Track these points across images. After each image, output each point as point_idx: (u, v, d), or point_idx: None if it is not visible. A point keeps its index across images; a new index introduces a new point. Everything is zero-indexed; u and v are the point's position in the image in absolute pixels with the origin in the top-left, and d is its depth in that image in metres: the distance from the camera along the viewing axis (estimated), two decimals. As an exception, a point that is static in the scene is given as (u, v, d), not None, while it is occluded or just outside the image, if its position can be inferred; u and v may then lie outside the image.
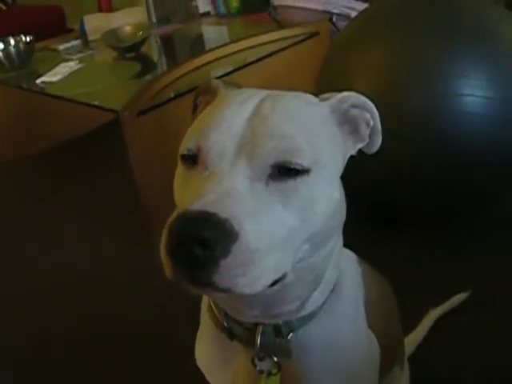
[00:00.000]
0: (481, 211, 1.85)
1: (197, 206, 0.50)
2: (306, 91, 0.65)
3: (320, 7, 2.60)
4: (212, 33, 2.89)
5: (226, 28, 2.87)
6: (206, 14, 3.00)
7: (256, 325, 0.66)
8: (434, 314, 1.41)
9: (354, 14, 2.39)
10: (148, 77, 2.26)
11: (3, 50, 2.40)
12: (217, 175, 0.54)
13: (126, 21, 2.65)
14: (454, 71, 1.52)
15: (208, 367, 0.78)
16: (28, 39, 2.48)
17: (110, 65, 2.47)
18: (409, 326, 1.33)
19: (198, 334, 0.80)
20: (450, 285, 1.53)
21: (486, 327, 1.41)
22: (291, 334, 0.67)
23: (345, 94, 0.64)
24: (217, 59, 2.23)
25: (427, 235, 1.75)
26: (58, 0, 3.93)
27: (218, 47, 2.31)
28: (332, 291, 0.69)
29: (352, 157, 0.67)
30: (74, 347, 1.56)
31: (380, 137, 0.67)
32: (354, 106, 0.64)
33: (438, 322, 1.40)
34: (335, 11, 2.54)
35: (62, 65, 2.36)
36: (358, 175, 1.04)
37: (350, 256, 0.80)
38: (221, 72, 2.12)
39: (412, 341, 1.31)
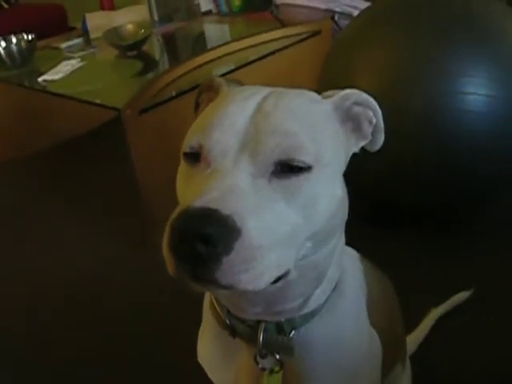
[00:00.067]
0: (481, 211, 1.85)
1: (199, 203, 0.50)
2: (308, 89, 0.65)
3: (322, 6, 2.60)
4: (214, 31, 2.89)
5: (228, 26, 2.87)
6: (208, 13, 3.00)
7: (258, 322, 0.66)
8: (436, 313, 1.41)
9: (356, 12, 2.38)
10: (150, 75, 2.26)
11: (5, 48, 2.41)
12: (219, 172, 0.54)
13: (127, 19, 2.65)
14: (456, 69, 1.52)
15: (210, 364, 0.78)
16: (30, 37, 2.48)
17: (111, 63, 2.46)
18: (410, 324, 1.33)
19: (200, 331, 0.80)
20: (450, 284, 1.53)
21: (487, 327, 1.41)
22: (293, 332, 0.67)
23: (347, 91, 0.64)
24: (219, 58, 2.23)
25: (428, 234, 1.75)
26: (60, -2, 3.93)
27: (219, 46, 2.31)
28: (334, 289, 0.69)
29: (354, 154, 0.67)
30: (73, 347, 1.56)
31: (383, 134, 0.67)
32: (356, 103, 0.64)
33: (440, 321, 1.40)
34: (337, 10, 2.54)
35: (64, 63, 2.36)
36: (360, 173, 1.04)
37: (352, 254, 0.80)
38: (223, 70, 2.12)
39: (414, 339, 1.31)
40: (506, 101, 1.53)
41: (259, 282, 0.51)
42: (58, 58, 2.46)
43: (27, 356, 1.55)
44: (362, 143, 0.67)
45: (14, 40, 2.45)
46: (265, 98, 0.59)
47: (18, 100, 2.57)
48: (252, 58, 2.19)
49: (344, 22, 2.44)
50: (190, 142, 0.59)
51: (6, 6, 3.98)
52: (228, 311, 0.69)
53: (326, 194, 0.57)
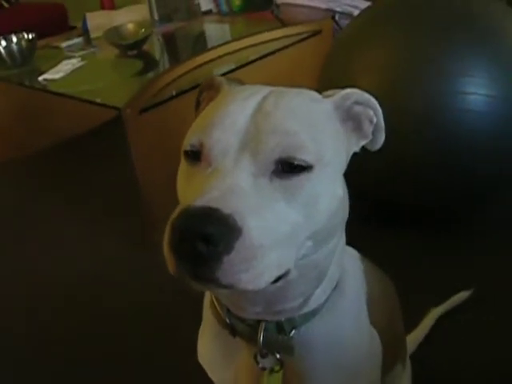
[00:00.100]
0: (481, 211, 1.85)
1: (200, 202, 0.50)
2: (308, 89, 0.65)
3: (323, 5, 2.60)
4: (214, 31, 2.89)
5: (228, 26, 2.87)
6: (208, 12, 3.00)
7: (258, 321, 0.66)
8: (436, 312, 1.41)
9: (356, 12, 2.39)
10: (150, 74, 2.26)
11: (5, 48, 2.41)
12: (220, 172, 0.54)
13: (128, 18, 2.65)
14: (457, 69, 1.52)
15: (210, 364, 0.78)
16: (30, 37, 2.48)
17: (112, 62, 2.46)
18: (410, 324, 1.33)
19: (200, 330, 0.80)
20: (450, 284, 1.52)
21: (487, 327, 1.41)
22: (294, 331, 0.67)
23: (348, 90, 0.64)
24: (219, 57, 2.23)
25: (428, 234, 1.75)
26: (60, -2, 3.93)
27: (220, 45, 2.31)
28: (334, 288, 0.69)
29: (355, 154, 0.67)
30: (74, 347, 1.56)
31: (383, 134, 0.67)
32: (357, 102, 0.64)
33: (440, 320, 1.40)
34: (338, 9, 2.54)
35: (65, 62, 2.36)
36: (360, 173, 1.04)
37: (352, 253, 0.80)
38: (223, 70, 2.12)
39: (414, 339, 1.32)
40: (506, 101, 1.53)
41: (259, 282, 0.51)
42: (59, 57, 2.46)
43: (27, 356, 1.55)
44: (363, 142, 0.67)
45: (14, 39, 2.45)
46: (265, 98, 0.59)
47: (18, 99, 2.57)
48: (252, 57, 2.19)
49: (344, 22, 2.43)
50: (190, 140, 0.59)
51: (6, 5, 3.98)
52: (228, 310, 0.69)
53: (327, 194, 0.57)
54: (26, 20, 3.44)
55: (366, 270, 0.79)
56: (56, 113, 2.53)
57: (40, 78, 2.23)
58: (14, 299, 1.81)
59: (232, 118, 0.57)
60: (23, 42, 2.46)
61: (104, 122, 2.52)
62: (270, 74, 2.09)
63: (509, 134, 1.56)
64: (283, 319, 0.66)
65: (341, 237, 0.66)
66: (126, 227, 2.02)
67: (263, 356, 0.68)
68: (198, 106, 0.72)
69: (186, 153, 0.59)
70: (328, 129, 0.60)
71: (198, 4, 2.94)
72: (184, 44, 2.77)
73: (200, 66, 2.15)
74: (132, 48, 2.41)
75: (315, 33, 2.41)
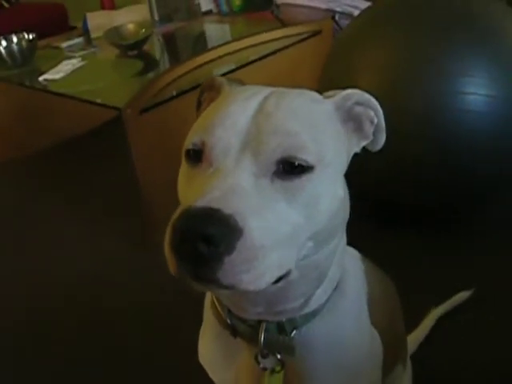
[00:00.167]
0: (481, 211, 1.85)
1: (201, 203, 0.50)
2: (309, 89, 0.65)
3: (323, 5, 2.60)
4: (214, 31, 2.89)
5: (229, 26, 2.87)
6: (209, 13, 3.00)
7: (259, 322, 0.66)
8: (436, 312, 1.41)
9: (356, 12, 2.39)
10: (150, 75, 2.26)
11: (6, 48, 2.41)
12: (221, 172, 0.54)
13: (128, 19, 2.65)
14: (457, 69, 1.52)
15: (211, 364, 0.78)
16: (30, 37, 2.49)
17: (112, 62, 2.46)
18: (410, 324, 1.33)
19: (201, 330, 0.80)
20: (450, 284, 1.53)
21: (487, 327, 1.42)
22: (294, 332, 0.67)
23: (349, 91, 0.64)
24: (219, 57, 2.23)
25: (428, 234, 1.75)
26: (61, -2, 3.93)
27: (220, 45, 2.31)
28: (335, 289, 0.69)
29: (356, 154, 0.67)
30: (74, 347, 1.56)
31: (384, 134, 0.67)
32: (358, 103, 0.64)
33: (440, 320, 1.40)
34: (338, 9, 2.54)
35: (65, 62, 2.36)
36: (360, 173, 1.04)
37: (353, 254, 0.80)
38: (223, 70, 2.12)
39: (414, 339, 1.32)
40: (506, 101, 1.53)
41: (260, 282, 0.51)
42: (59, 57, 2.46)
43: (27, 356, 1.55)
44: (364, 143, 0.67)
45: (14, 39, 2.45)
46: (266, 98, 0.59)
47: (18, 99, 2.57)
48: (252, 57, 2.19)
49: (345, 22, 2.44)
50: (192, 139, 0.59)
51: (6, 5, 3.98)
52: (229, 311, 0.69)
53: (328, 194, 0.57)
54: (26, 20, 3.44)
55: (366, 271, 0.79)
56: (56, 113, 2.53)
57: (40, 78, 2.23)
58: (14, 299, 1.80)
59: (233, 118, 0.57)
60: (23, 42, 2.46)
61: (104, 122, 2.52)
62: (270, 75, 2.10)
63: (509, 134, 1.56)
64: (284, 320, 0.66)
65: (341, 237, 0.67)
66: (126, 227, 2.01)
67: (264, 356, 0.68)
68: (200, 107, 0.72)
69: (188, 153, 0.59)
70: (329, 129, 0.60)
71: (198, 4, 2.94)
72: (184, 44, 2.77)
73: (200, 66, 2.15)
74: (132, 48, 2.41)
75: (315, 33, 2.41)
